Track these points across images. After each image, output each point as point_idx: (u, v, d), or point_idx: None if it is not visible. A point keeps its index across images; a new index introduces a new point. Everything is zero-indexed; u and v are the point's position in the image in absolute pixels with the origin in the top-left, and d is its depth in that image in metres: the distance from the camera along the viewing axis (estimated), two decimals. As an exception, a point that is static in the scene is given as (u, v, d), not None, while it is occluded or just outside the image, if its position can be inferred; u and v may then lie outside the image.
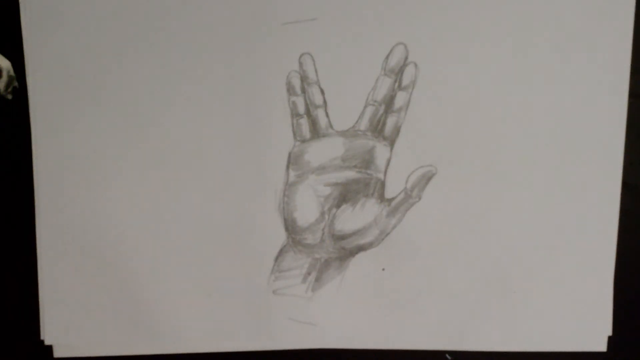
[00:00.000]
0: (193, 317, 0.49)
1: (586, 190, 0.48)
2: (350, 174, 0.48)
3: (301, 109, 0.47)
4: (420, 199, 0.48)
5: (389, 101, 0.47)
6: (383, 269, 0.49)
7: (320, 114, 0.47)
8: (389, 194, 0.48)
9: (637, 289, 0.50)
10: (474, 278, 0.49)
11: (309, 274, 0.49)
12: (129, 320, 0.49)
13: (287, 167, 0.48)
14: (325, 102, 0.47)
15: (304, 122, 0.47)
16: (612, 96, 0.47)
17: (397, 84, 0.47)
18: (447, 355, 0.51)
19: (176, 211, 0.48)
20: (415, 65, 0.47)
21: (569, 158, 0.48)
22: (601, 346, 0.50)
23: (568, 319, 0.50)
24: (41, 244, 0.48)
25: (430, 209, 0.48)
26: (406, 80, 0.47)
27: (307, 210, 0.48)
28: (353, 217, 0.48)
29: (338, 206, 0.48)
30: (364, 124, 0.48)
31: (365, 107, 0.47)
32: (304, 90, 0.47)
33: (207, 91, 0.47)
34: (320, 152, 0.48)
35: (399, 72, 0.47)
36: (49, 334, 0.49)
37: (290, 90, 0.47)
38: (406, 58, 0.47)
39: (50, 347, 0.50)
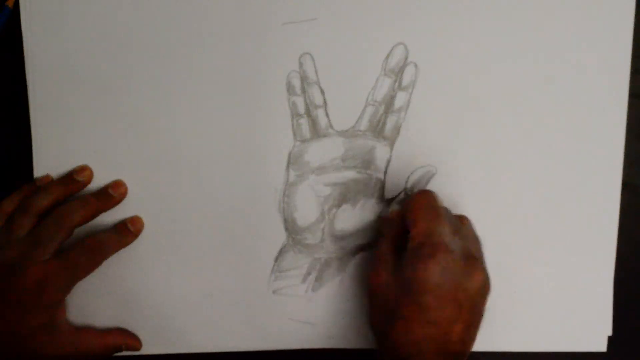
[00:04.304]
0: (193, 317, 0.49)
1: (586, 190, 0.48)
2: (350, 174, 0.48)
3: (301, 109, 0.47)
4: (420, 199, 0.48)
5: (389, 101, 0.47)
6: (383, 269, 0.49)
7: (320, 114, 0.47)
8: (389, 194, 0.48)
9: (637, 289, 0.50)
10: (474, 278, 0.49)
11: (309, 274, 0.49)
12: (129, 320, 0.48)
13: (287, 167, 0.48)
14: (325, 102, 0.47)
15: (304, 122, 0.47)
16: (612, 96, 0.47)
17: (397, 84, 0.47)
18: (447, 355, 0.51)
19: (176, 211, 0.48)
20: (415, 65, 0.47)
21: (569, 158, 0.48)
22: (601, 346, 0.50)
23: (568, 319, 0.50)
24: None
25: (430, 209, 0.48)
26: (406, 80, 0.47)
27: (307, 210, 0.48)
28: (353, 217, 0.48)
29: (338, 206, 0.48)
30: (364, 124, 0.48)
31: (365, 107, 0.47)
32: (304, 90, 0.47)
33: (207, 91, 0.47)
34: (320, 152, 0.48)
35: (399, 72, 0.47)
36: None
37: (290, 90, 0.47)
38: (406, 58, 0.47)
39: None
